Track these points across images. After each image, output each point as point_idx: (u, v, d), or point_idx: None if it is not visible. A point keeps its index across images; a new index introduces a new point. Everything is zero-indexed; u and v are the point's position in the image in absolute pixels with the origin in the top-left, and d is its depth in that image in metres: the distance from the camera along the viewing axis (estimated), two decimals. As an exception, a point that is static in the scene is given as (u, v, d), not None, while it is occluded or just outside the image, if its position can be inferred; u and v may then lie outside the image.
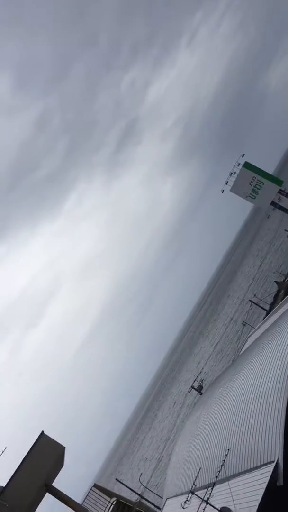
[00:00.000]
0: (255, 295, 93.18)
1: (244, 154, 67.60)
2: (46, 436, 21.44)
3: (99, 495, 24.26)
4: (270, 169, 72.95)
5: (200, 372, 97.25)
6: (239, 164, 66.71)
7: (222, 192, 68.89)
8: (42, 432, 21.44)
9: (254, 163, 67.20)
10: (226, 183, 67.73)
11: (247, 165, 66.39)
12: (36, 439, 21.12)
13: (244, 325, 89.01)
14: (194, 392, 78.38)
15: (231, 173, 67.31)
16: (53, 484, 21.79)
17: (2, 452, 24.07)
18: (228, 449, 24.68)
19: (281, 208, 67.08)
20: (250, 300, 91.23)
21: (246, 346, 53.59)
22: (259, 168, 67.10)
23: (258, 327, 55.32)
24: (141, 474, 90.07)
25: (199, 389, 69.22)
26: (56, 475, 22.60)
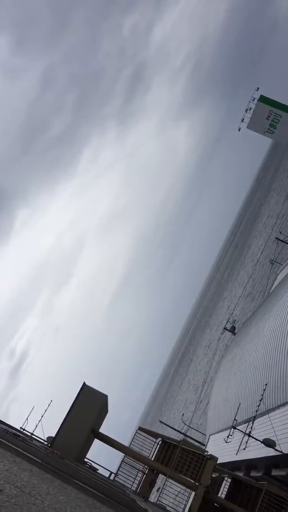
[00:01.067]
0: (281, 232, 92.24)
1: (258, 88, 65.08)
2: (88, 386, 22.18)
3: (145, 437, 25.25)
4: (287, 100, 70.27)
5: (232, 314, 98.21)
6: (254, 99, 64.32)
7: (239, 130, 66.91)
8: (84, 383, 22.17)
9: (270, 96, 64.69)
10: (242, 120, 65.63)
11: (262, 99, 64.00)
12: (79, 390, 21.89)
13: (272, 263, 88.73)
14: (228, 334, 79.44)
15: (247, 109, 65.08)
16: (100, 431, 22.74)
17: (49, 405, 25.16)
18: (266, 384, 25.18)
19: (301, 140, 65.00)
20: (276, 238, 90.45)
21: (276, 283, 53.61)
22: (275, 101, 64.61)
23: (287, 264, 55.07)
24: (183, 414, 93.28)
25: (232, 330, 70.10)
26: (102, 421, 23.53)
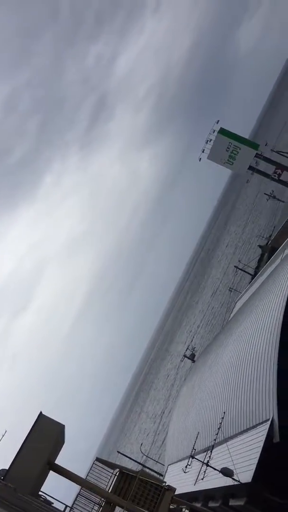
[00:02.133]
0: (239, 261, 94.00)
1: (218, 121, 66.99)
2: (45, 416, 21.59)
3: (102, 467, 24.66)
4: (245, 133, 72.60)
5: (192, 341, 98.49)
6: (214, 131, 66.14)
7: (200, 160, 68.52)
8: (41, 412, 21.58)
9: (229, 129, 66.69)
10: (203, 151, 67.27)
11: (222, 132, 65.88)
12: (35, 420, 21.27)
13: (231, 291, 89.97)
14: (187, 361, 79.55)
15: (207, 141, 66.78)
16: (56, 462, 22.07)
17: (3, 436, 24.26)
18: (224, 412, 25.21)
19: (259, 172, 67.02)
20: (235, 266, 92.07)
21: (235, 311, 54.29)
22: (234, 134, 66.63)
23: (245, 292, 55.98)
24: (141, 444, 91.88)
25: (192, 357, 70.20)
26: (58, 452, 22.87)
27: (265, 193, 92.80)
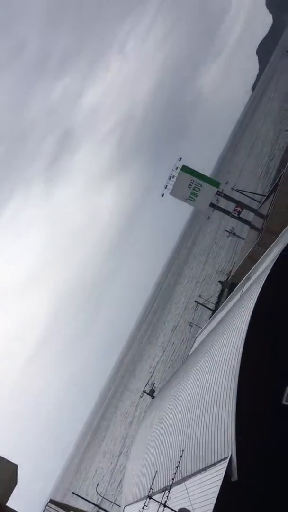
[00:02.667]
0: (200, 296, 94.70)
1: (181, 158, 68.57)
2: (-4, 455, 20.65)
3: (56, 510, 23.61)
4: (207, 171, 74.33)
5: (152, 376, 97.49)
6: (177, 167, 67.61)
7: (162, 196, 69.60)
8: (-8, 451, 20.63)
9: (191, 166, 68.31)
10: (166, 187, 68.48)
11: (184, 169, 67.37)
12: (-15, 459, 20.27)
13: (191, 326, 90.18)
14: (147, 397, 78.41)
15: (170, 177, 68.11)
16: (8, 504, 20.99)
17: None
18: (183, 450, 24.78)
19: (220, 209, 68.55)
20: (195, 301, 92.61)
21: (194, 346, 54.25)
22: (196, 171, 68.23)
23: (205, 327, 56.17)
24: (97, 485, 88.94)
25: (151, 393, 69.29)
26: (10, 494, 21.79)
27: (225, 230, 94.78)
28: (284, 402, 21.51)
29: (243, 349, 21.58)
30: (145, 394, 75.02)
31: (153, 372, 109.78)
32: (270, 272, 24.65)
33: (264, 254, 38.32)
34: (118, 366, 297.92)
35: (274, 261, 25.46)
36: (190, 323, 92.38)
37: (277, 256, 25.71)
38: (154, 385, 76.66)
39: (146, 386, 78.66)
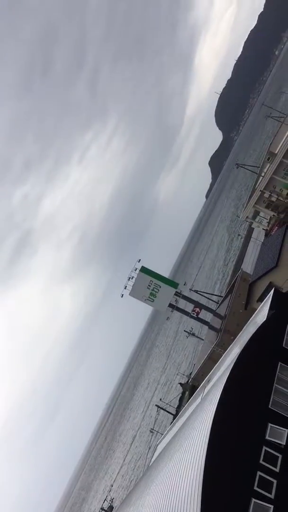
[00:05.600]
0: (161, 400, 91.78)
1: (140, 259, 70.02)
2: None
3: None
4: (165, 272, 75.93)
5: (110, 491, 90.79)
6: (136, 269, 68.76)
7: (122, 296, 69.76)
8: None
9: (150, 267, 69.65)
10: (125, 288, 68.95)
11: (143, 270, 68.55)
12: None
13: (152, 432, 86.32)
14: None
15: (129, 278, 68.91)
16: None
17: None
18: None
19: (179, 310, 68.95)
20: (156, 405, 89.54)
21: (156, 455, 51.42)
22: (155, 272, 69.46)
23: (166, 434, 53.77)
24: None
25: (110, 510, 64.04)
26: None
27: (185, 330, 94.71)
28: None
29: (206, 455, 20.57)
30: (102, 511, 69.25)
31: (112, 485, 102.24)
32: (229, 375, 24.28)
33: (224, 354, 38.07)
34: (74, 482, 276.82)
35: (233, 363, 25.22)
36: (151, 429, 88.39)
37: (236, 358, 25.51)
38: (113, 500, 71.09)
39: (104, 502, 72.87)
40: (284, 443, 21.71)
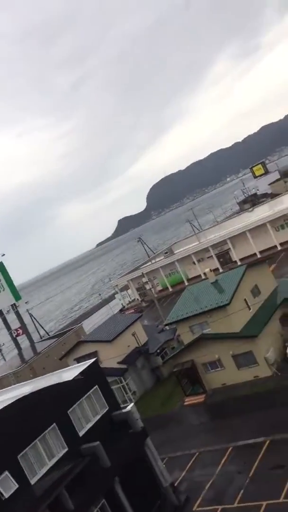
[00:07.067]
0: None
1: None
2: None
3: None
4: (17, 281, 73.56)
5: None
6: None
7: None
8: None
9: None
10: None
11: (1, 266, 66.28)
12: None
13: None
14: None
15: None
16: None
17: None
18: None
19: (4, 320, 66.85)
20: None
21: None
22: (9, 276, 67.35)
23: None
24: None
25: None
26: None
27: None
28: None
29: None
30: None
31: None
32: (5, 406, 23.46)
33: (21, 384, 36.92)
34: None
35: (8, 403, 24.52)
36: None
37: (17, 399, 24.84)
38: None
39: None
40: None
